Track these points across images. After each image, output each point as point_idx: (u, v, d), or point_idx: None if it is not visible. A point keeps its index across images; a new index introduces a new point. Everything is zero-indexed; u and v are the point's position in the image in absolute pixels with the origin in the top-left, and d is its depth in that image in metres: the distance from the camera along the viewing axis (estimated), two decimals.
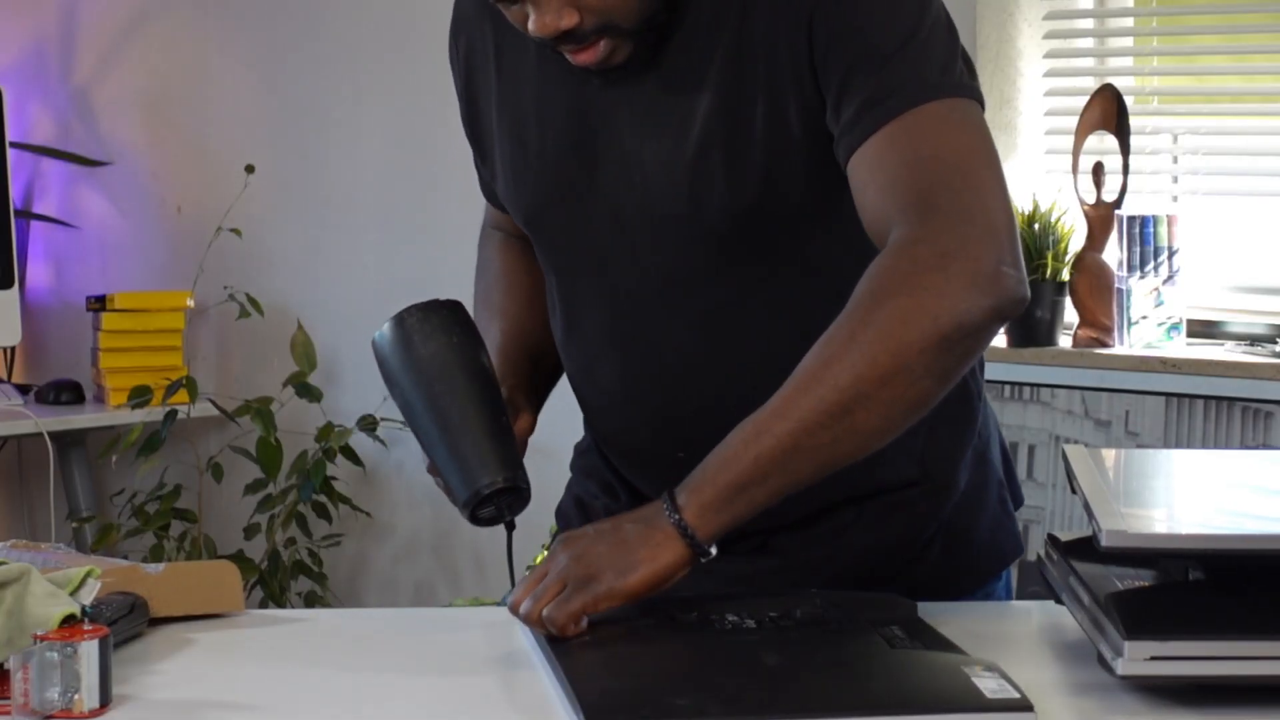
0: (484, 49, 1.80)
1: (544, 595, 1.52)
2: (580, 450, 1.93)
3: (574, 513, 1.90)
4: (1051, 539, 1.61)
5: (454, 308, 1.72)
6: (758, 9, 1.64)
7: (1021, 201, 3.43)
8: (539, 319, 1.86)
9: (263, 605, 3.79)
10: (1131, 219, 3.31)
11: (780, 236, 1.68)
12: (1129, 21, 3.57)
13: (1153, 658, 1.35)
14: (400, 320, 1.69)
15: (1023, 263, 1.54)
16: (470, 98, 1.83)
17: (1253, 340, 3.34)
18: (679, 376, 1.73)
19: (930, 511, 1.77)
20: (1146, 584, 1.46)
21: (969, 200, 1.54)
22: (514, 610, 1.54)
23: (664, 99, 1.68)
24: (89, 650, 1.36)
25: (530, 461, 1.71)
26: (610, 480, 1.86)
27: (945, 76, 1.59)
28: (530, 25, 1.61)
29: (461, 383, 1.67)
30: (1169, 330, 3.30)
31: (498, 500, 1.64)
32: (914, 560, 1.77)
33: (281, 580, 3.95)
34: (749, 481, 1.53)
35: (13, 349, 4.37)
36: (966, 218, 1.52)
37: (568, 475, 1.94)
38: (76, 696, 1.36)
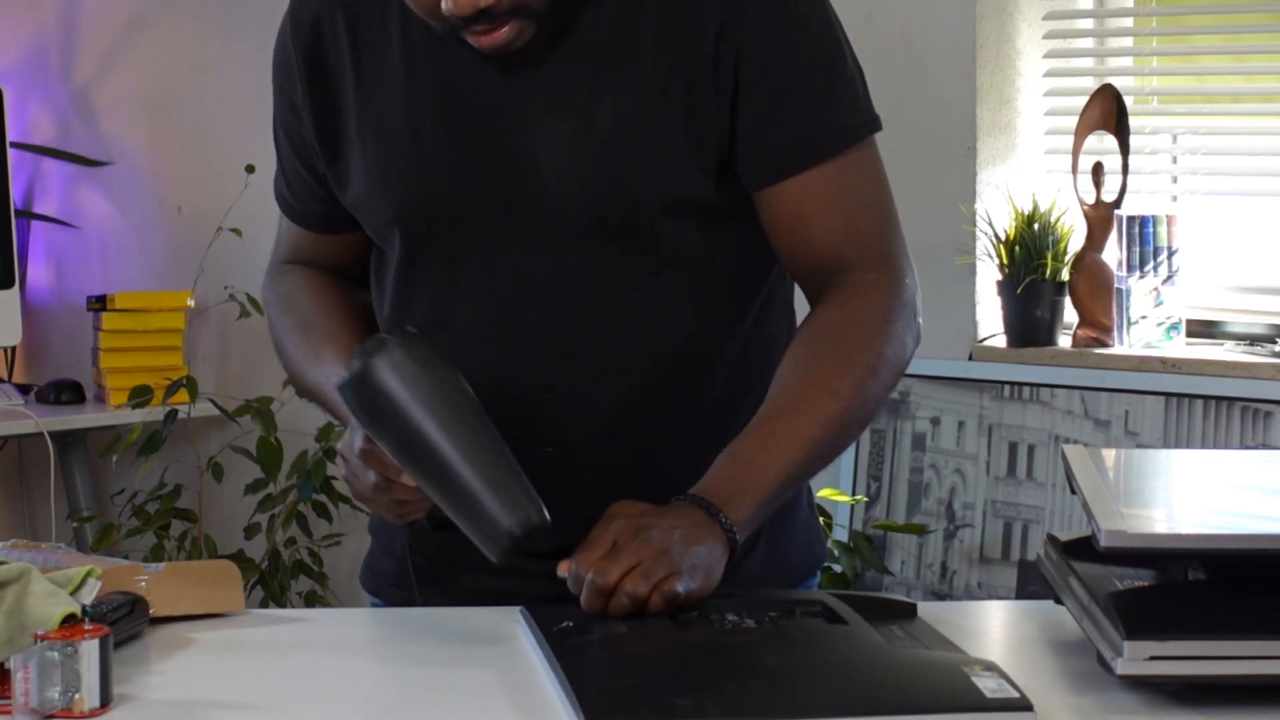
0: (335, 53, 1.77)
1: (654, 575, 1.52)
2: None
3: (395, 525, 1.86)
4: (1051, 539, 1.61)
5: (423, 338, 1.63)
6: (673, 6, 1.68)
7: (1021, 201, 3.43)
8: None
9: (263, 605, 3.79)
10: (1131, 219, 3.31)
11: (675, 231, 1.72)
12: (1129, 21, 3.57)
13: (1152, 657, 1.35)
14: (380, 358, 1.58)
15: None
16: (316, 102, 1.78)
17: (1252, 340, 3.34)
18: (558, 367, 1.74)
19: None
20: (1146, 584, 1.46)
21: (905, 249, 1.77)
22: (603, 589, 1.52)
23: (566, 84, 1.69)
24: (89, 650, 1.36)
25: None
26: None
27: (868, 110, 1.75)
28: (445, 4, 1.62)
29: (464, 421, 1.58)
30: (1168, 330, 3.30)
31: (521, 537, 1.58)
32: (740, 563, 1.79)
33: (281, 580, 3.95)
34: (771, 501, 1.67)
35: (13, 349, 4.37)
36: (908, 267, 1.76)
37: None
38: (77, 696, 1.36)
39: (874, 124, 1.75)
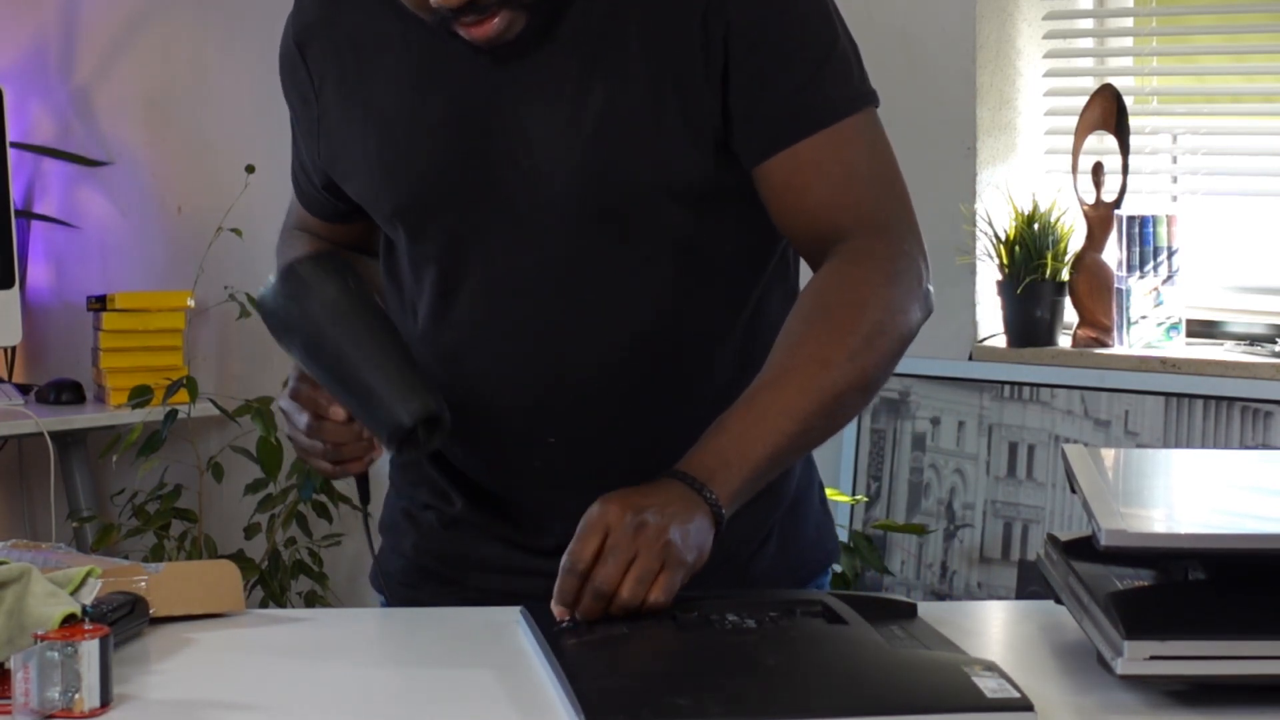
0: (336, 56, 1.79)
1: (649, 576, 1.52)
2: (402, 464, 1.92)
3: (404, 524, 1.89)
4: (1051, 539, 1.61)
5: (339, 255, 1.75)
6: None
7: (1021, 201, 3.43)
8: None
9: (263, 605, 3.79)
10: (1131, 219, 3.31)
11: (670, 217, 1.72)
12: (1129, 21, 3.57)
13: (1152, 657, 1.35)
14: (292, 270, 1.70)
15: None
16: (323, 105, 1.81)
17: (1252, 340, 3.34)
18: (557, 358, 1.74)
19: (764, 516, 1.82)
20: (1146, 584, 1.46)
21: (909, 218, 1.74)
22: (605, 595, 1.52)
23: (558, 74, 1.70)
24: (89, 650, 1.36)
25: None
26: (443, 486, 1.85)
27: (863, 84, 1.73)
28: None
29: (365, 322, 1.67)
30: (1168, 330, 3.30)
31: (420, 431, 1.65)
32: (750, 560, 1.81)
33: (282, 580, 3.95)
34: (761, 474, 1.64)
35: (13, 349, 4.37)
36: (910, 235, 1.73)
37: None
38: (77, 696, 1.36)
39: (868, 97, 1.73)
